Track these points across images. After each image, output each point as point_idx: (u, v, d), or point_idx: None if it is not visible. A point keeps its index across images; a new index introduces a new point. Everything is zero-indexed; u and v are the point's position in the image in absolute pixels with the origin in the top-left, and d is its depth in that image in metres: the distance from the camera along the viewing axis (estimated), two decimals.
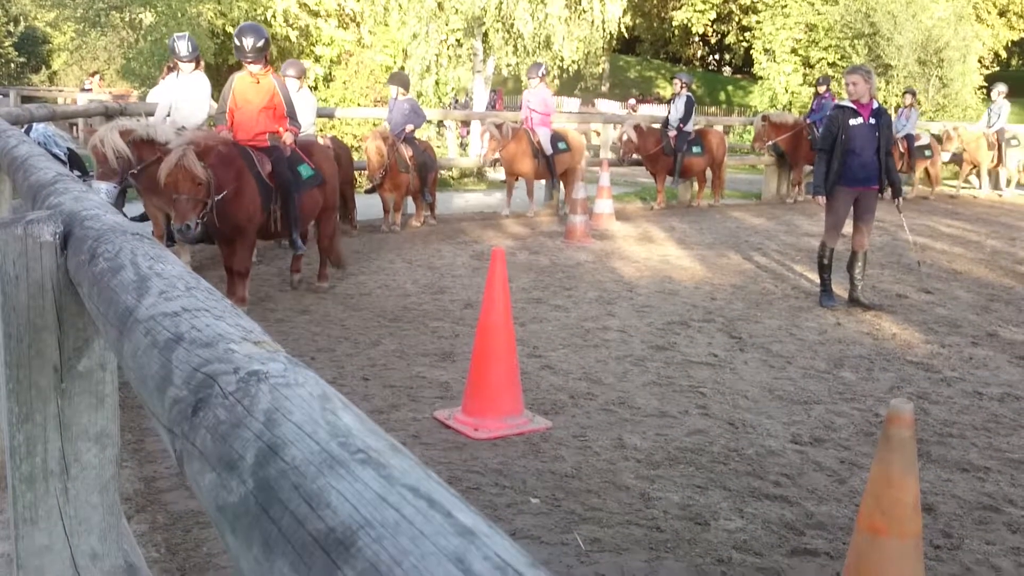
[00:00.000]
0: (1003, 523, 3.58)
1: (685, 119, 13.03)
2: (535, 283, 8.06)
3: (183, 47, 7.90)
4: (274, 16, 14.93)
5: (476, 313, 5.17)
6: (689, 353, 6.01)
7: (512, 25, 16.62)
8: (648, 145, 13.07)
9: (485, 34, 18.06)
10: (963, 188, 17.04)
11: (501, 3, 16.39)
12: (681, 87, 13.33)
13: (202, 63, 8.93)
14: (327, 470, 0.63)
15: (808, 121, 14.43)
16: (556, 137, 12.06)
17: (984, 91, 27.21)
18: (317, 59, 15.68)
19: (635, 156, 13.18)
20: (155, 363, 1.01)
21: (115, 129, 7.04)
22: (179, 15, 14.66)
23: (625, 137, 13.05)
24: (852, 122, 7.19)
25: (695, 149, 13.19)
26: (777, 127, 14.24)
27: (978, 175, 16.76)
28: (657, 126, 13.57)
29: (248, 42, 6.52)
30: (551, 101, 12.13)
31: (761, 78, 27.93)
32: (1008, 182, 17.00)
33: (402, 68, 16.45)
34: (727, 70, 47.85)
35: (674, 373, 5.56)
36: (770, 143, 14.40)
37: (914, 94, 16.02)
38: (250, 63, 6.61)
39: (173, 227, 6.16)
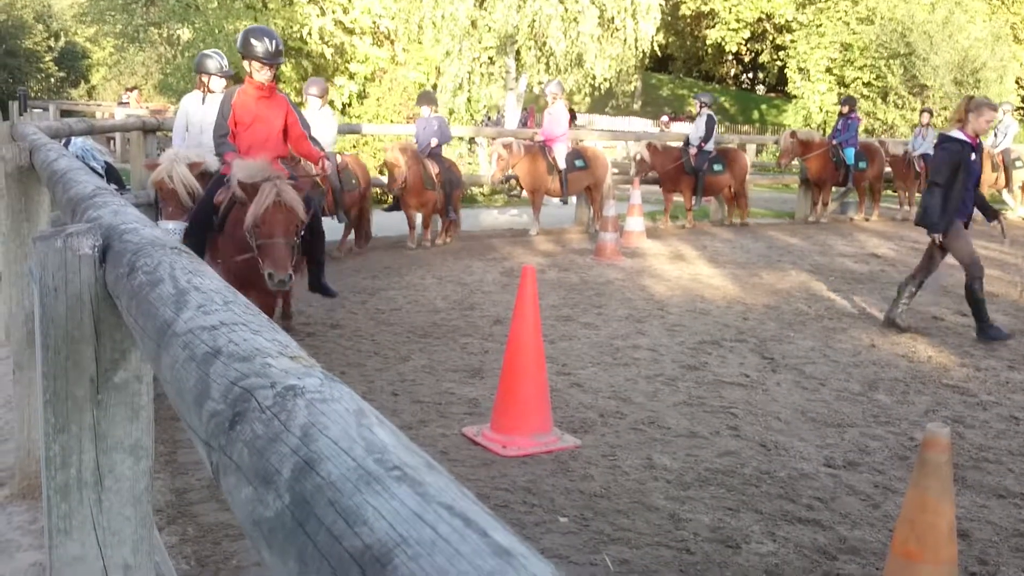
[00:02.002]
0: None
1: (706, 138, 12.97)
2: (565, 300, 8.05)
3: (213, 64, 7.27)
4: (310, 33, 15.09)
5: (506, 330, 5.18)
6: (721, 373, 5.96)
7: (544, 43, 16.70)
8: (664, 164, 12.97)
9: (518, 52, 18.16)
10: (1008, 210, 16.75)
11: (534, 21, 16.48)
12: (701, 107, 13.33)
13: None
14: (363, 486, 0.63)
15: (834, 142, 14.31)
16: (574, 154, 12.00)
17: (1021, 112, 26.86)
18: (352, 76, 15.82)
19: (650, 175, 13.04)
20: (193, 376, 1.02)
21: (182, 161, 6.36)
22: (216, 31, 14.86)
23: (639, 157, 12.96)
24: (972, 157, 6.91)
25: (716, 167, 13.10)
26: (805, 144, 14.14)
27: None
28: (674, 144, 13.50)
29: (262, 45, 5.45)
30: (565, 117, 12.05)
31: (795, 97, 27.77)
32: (1020, 202, 16.64)
33: (434, 86, 16.58)
34: (760, 89, 47.66)
35: (705, 393, 5.52)
36: (796, 160, 14.33)
37: (931, 113, 15.80)
38: (265, 67, 5.54)
39: (270, 279, 4.92)
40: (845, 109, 14.74)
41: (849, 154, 14.22)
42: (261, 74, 5.51)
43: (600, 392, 5.42)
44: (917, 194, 15.49)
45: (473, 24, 17.07)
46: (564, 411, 5.03)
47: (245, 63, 5.61)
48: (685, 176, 12.99)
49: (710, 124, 13.07)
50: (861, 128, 24.25)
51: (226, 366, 0.95)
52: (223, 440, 0.85)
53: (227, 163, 5.45)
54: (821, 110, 25.34)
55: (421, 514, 0.58)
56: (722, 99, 46.13)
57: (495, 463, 4.26)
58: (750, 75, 49.93)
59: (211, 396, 0.93)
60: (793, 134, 14.43)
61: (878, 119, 24.13)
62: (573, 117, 20.65)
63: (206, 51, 7.61)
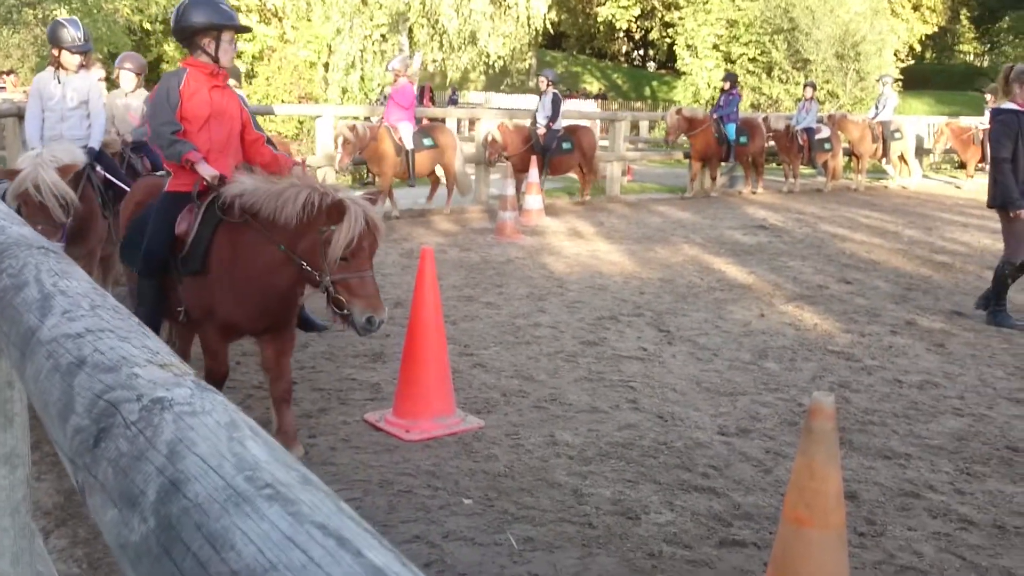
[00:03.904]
0: (924, 509, 3.69)
1: (553, 116, 12.79)
2: (466, 280, 8.04)
3: (66, 35, 6.09)
4: None
5: (407, 312, 5.13)
6: (619, 348, 6.06)
7: (437, 21, 16.56)
8: (516, 144, 12.76)
9: (410, 30, 17.96)
10: (888, 180, 17.50)
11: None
12: (547, 85, 13.06)
13: (95, 61, 7.74)
14: (232, 508, 0.60)
15: (714, 116, 14.69)
16: (422, 133, 11.65)
17: (900, 84, 28.09)
18: (239, 55, 15.35)
19: (504, 155, 12.83)
20: (57, 389, 0.96)
21: (50, 165, 5.01)
22: (95, 11, 14.20)
23: (490, 137, 12.76)
24: None
25: (564, 146, 12.95)
26: (689, 121, 14.46)
27: (859, 168, 17.04)
28: (524, 124, 13.34)
29: (225, 12, 4.14)
30: (410, 95, 11.63)
31: (684, 73, 28.33)
32: (900, 172, 17.45)
33: (326, 65, 16.24)
34: (652, 65, 48.45)
35: (605, 368, 5.60)
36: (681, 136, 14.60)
37: (814, 87, 16.33)
38: (225, 46, 4.17)
39: (368, 324, 3.78)
40: (726, 85, 15.10)
41: (730, 129, 14.60)
42: (224, 52, 4.17)
43: (503, 372, 5.44)
44: (801, 167, 16.08)
45: (364, 1, 16.78)
46: (467, 392, 5.03)
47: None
48: (536, 156, 12.66)
49: (556, 102, 12.89)
50: (747, 104, 24.96)
51: (91, 377, 0.90)
52: (88, 458, 0.80)
53: (188, 168, 4.03)
54: (709, 86, 25.92)
55: (293, 536, 0.56)
56: (614, 76, 46.69)
57: (398, 448, 4.23)
58: (641, 52, 50.66)
59: (75, 410, 0.88)
60: (679, 111, 14.72)
61: (763, 94, 24.86)
62: (453, 95, 20.66)
63: (60, 18, 6.58)
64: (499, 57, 17.77)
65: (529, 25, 17.46)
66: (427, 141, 11.59)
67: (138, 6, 14.11)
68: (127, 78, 7.56)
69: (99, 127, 6.41)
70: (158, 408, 0.77)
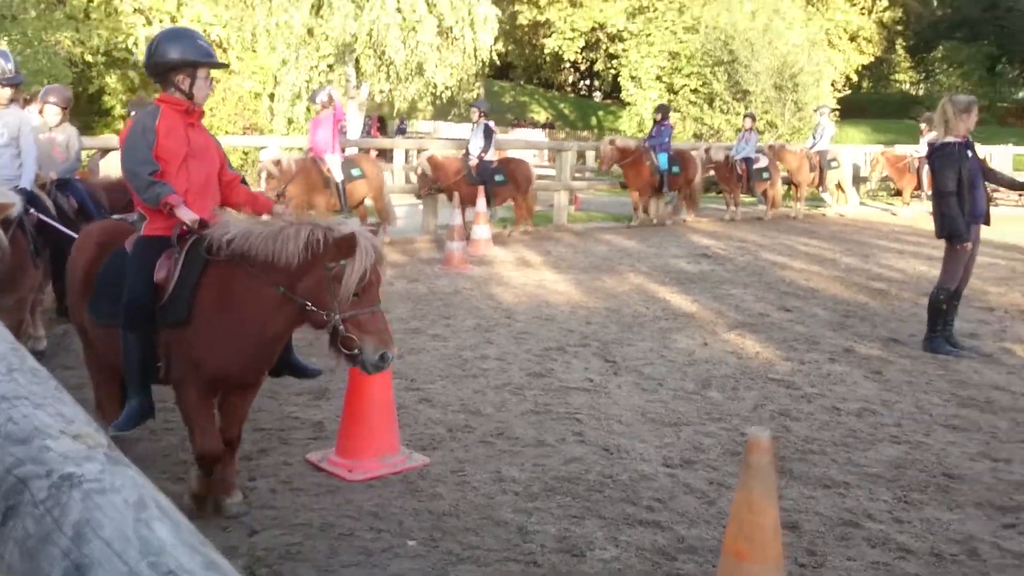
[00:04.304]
0: (863, 538, 3.75)
1: (486, 148, 12.75)
2: (413, 313, 8.01)
3: None
4: (136, 43, 14.41)
5: None
6: (566, 379, 6.09)
7: (384, 52, 16.60)
8: (448, 176, 12.72)
9: (357, 60, 17.98)
10: (826, 207, 17.91)
11: (372, 30, 16.36)
12: (480, 116, 13.01)
13: (24, 95, 7.38)
14: None
15: (647, 145, 14.91)
16: (349, 164, 11.51)
17: (837, 113, 28.83)
18: None
19: (435, 187, 12.74)
20: None
21: None
22: (35, 42, 13.95)
23: (420, 170, 12.65)
24: (969, 155, 6.76)
25: (498, 178, 12.84)
26: (623, 151, 14.67)
27: (797, 196, 17.44)
28: (456, 155, 13.30)
29: (202, 48, 4.01)
30: (336, 128, 11.35)
31: (629, 103, 28.76)
32: (837, 200, 17.88)
33: (271, 96, 16.17)
34: (598, 95, 49.12)
35: (551, 400, 5.62)
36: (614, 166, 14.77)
37: (753, 118, 16.72)
38: (200, 83, 4.00)
39: (380, 361, 3.64)
40: (658, 116, 15.36)
41: (662, 159, 14.81)
42: (199, 87, 3.99)
43: (449, 406, 5.42)
44: (742, 195, 16.40)
45: (310, 32, 16.78)
46: (413, 428, 5.00)
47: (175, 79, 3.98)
48: (468, 187, 12.58)
49: (488, 134, 12.86)
50: (690, 133, 25.39)
51: (2, 450, 0.89)
52: None
53: (167, 212, 3.77)
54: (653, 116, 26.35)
55: None
56: (562, 105, 47.20)
57: (340, 489, 4.18)
58: (587, 82, 51.34)
59: None
60: (611, 141, 14.97)
61: (706, 124, 25.35)
62: (401, 125, 20.70)
63: None
64: (446, 87, 17.87)
65: (476, 56, 17.61)
66: (355, 171, 11.47)
67: (79, 38, 13.91)
68: (51, 112, 7.29)
69: (30, 166, 6.11)
70: (67, 486, 0.76)
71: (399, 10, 16.34)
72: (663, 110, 15.62)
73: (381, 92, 17.79)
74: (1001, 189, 19.80)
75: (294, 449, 4.67)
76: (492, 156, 12.97)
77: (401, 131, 26.85)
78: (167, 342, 3.79)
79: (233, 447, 4.00)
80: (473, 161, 12.73)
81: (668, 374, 6.24)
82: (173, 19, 14.95)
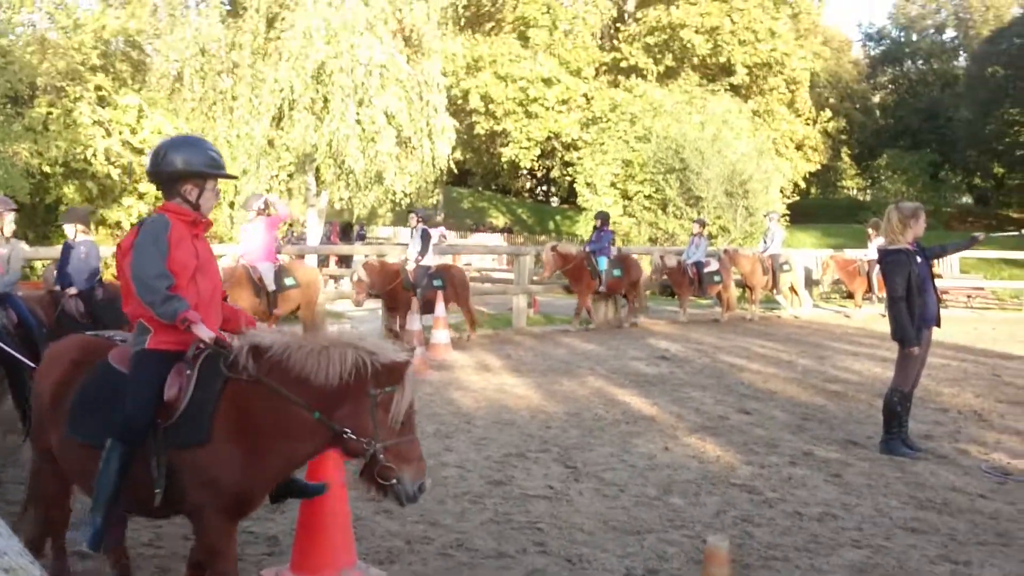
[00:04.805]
0: None
1: (423, 252, 12.81)
2: None
3: None
4: (95, 155, 14.47)
5: None
6: (526, 486, 6.01)
7: (343, 161, 16.86)
8: (384, 282, 12.65)
9: (317, 169, 18.22)
10: (781, 310, 18.24)
11: (332, 140, 16.64)
12: (417, 221, 13.07)
13: None
14: None
15: (587, 251, 15.23)
16: (283, 272, 11.28)
17: (787, 218, 29.65)
18: (141, 196, 15.25)
19: (371, 294, 12.65)
20: None
21: None
22: None
23: (356, 277, 12.59)
24: (917, 260, 6.93)
25: (436, 283, 12.82)
26: (564, 257, 14.92)
27: (752, 299, 17.76)
28: (393, 262, 13.31)
29: (213, 158, 3.89)
30: (269, 235, 11.27)
31: (585, 209, 29.35)
32: (791, 303, 18.26)
33: (231, 204, 16.25)
34: (555, 201, 50.13)
35: (512, 509, 5.53)
36: (557, 271, 14.96)
37: (703, 224, 17.26)
38: (208, 194, 3.90)
39: (418, 492, 3.56)
40: (598, 223, 15.78)
41: (601, 263, 15.13)
42: (206, 197, 3.89)
43: (407, 517, 5.31)
44: (693, 298, 16.71)
45: (270, 143, 17.03)
46: (370, 541, 4.88)
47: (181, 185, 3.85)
48: (405, 294, 12.56)
49: (425, 239, 12.91)
50: (645, 238, 25.90)
51: None
52: None
53: (183, 328, 3.59)
54: (609, 221, 26.86)
55: None
56: (519, 211, 48.00)
57: None
58: (544, 188, 52.44)
59: None
60: (553, 248, 15.29)
61: (660, 229, 25.91)
62: (361, 231, 20.88)
63: None
64: (405, 194, 18.12)
65: (434, 165, 17.95)
66: (288, 280, 11.24)
67: (37, 149, 13.96)
68: (8, 220, 7.19)
69: None
70: None
71: (359, 122, 16.69)
72: (602, 217, 16.09)
73: (341, 199, 17.98)
74: (951, 291, 20.44)
75: (248, 566, 4.51)
76: (430, 261, 12.97)
77: (361, 237, 27.05)
78: (176, 465, 3.53)
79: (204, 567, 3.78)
80: (410, 266, 12.74)
81: (630, 479, 6.20)
82: (133, 131, 15.09)
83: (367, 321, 13.98)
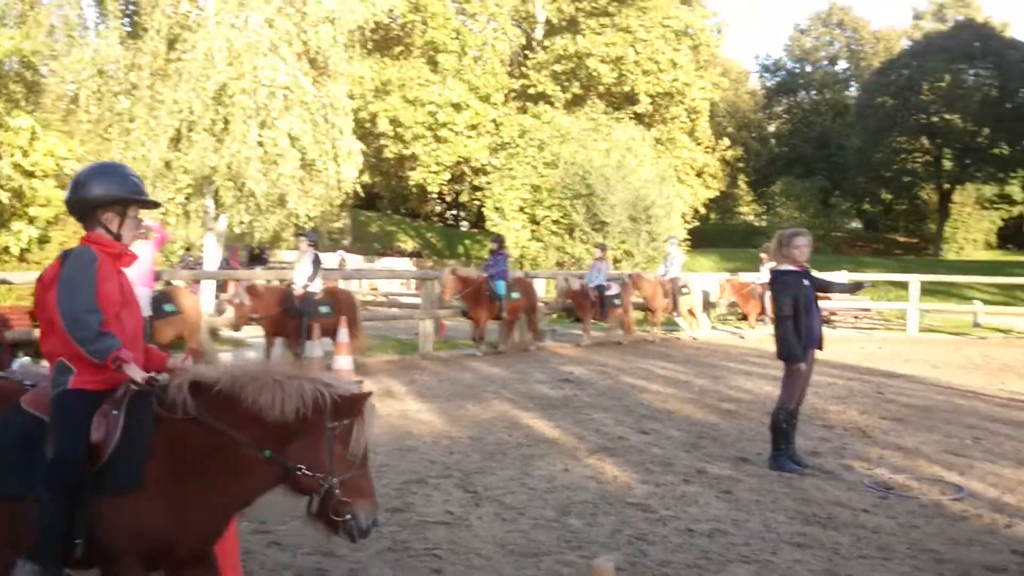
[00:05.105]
0: None
1: (312, 277, 12.48)
2: None
3: None
4: None
5: None
6: (425, 513, 5.99)
7: (244, 184, 16.58)
8: (268, 307, 12.20)
9: (216, 192, 17.87)
10: (680, 332, 18.69)
11: (232, 162, 16.35)
12: (308, 245, 12.76)
13: None
14: None
15: (485, 275, 15.26)
16: (161, 298, 10.86)
17: (688, 243, 30.44)
18: (31, 220, 14.65)
19: (252, 318, 12.23)
20: None
21: None
22: None
23: (237, 300, 12.11)
24: (805, 283, 7.19)
25: (323, 309, 12.47)
26: (463, 280, 14.98)
27: (654, 321, 18.21)
28: (277, 284, 13.00)
29: (133, 183, 3.73)
30: (150, 259, 10.52)
31: (494, 233, 29.60)
32: (690, 325, 18.78)
33: None
34: (464, 225, 50.29)
35: (409, 537, 5.50)
36: (456, 295, 14.91)
37: (604, 248, 17.67)
38: (130, 223, 3.76)
39: (372, 527, 3.48)
40: (494, 247, 15.90)
41: (499, 286, 15.20)
42: (125, 228, 3.72)
43: (300, 548, 5.23)
44: (595, 321, 17.00)
45: (167, 165, 16.63)
46: (259, 575, 4.78)
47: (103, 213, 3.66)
48: (290, 320, 12.20)
49: (316, 263, 12.59)
50: (552, 262, 26.18)
51: None
52: None
53: (115, 367, 3.41)
54: (517, 245, 27.13)
55: None
56: (428, 235, 47.97)
57: None
58: (453, 212, 52.56)
59: None
60: (453, 271, 15.33)
61: (567, 253, 26.30)
62: (261, 258, 20.60)
63: None
64: (309, 218, 17.91)
65: (340, 188, 17.81)
66: (168, 307, 10.77)
67: None
68: None
69: None
70: None
71: (261, 144, 16.46)
72: (498, 240, 16.23)
73: (241, 223, 17.65)
74: (838, 312, 21.28)
75: None
76: (318, 287, 12.66)
77: (263, 261, 26.57)
78: (101, 513, 3.28)
79: None
80: (298, 291, 12.39)
81: (529, 502, 6.24)
82: (25, 153, 14.51)
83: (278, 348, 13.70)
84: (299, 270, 12.71)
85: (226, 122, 16.67)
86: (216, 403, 3.34)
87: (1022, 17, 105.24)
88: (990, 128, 47.96)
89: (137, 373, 3.41)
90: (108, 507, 3.28)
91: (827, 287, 7.88)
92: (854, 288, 8.32)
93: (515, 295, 15.48)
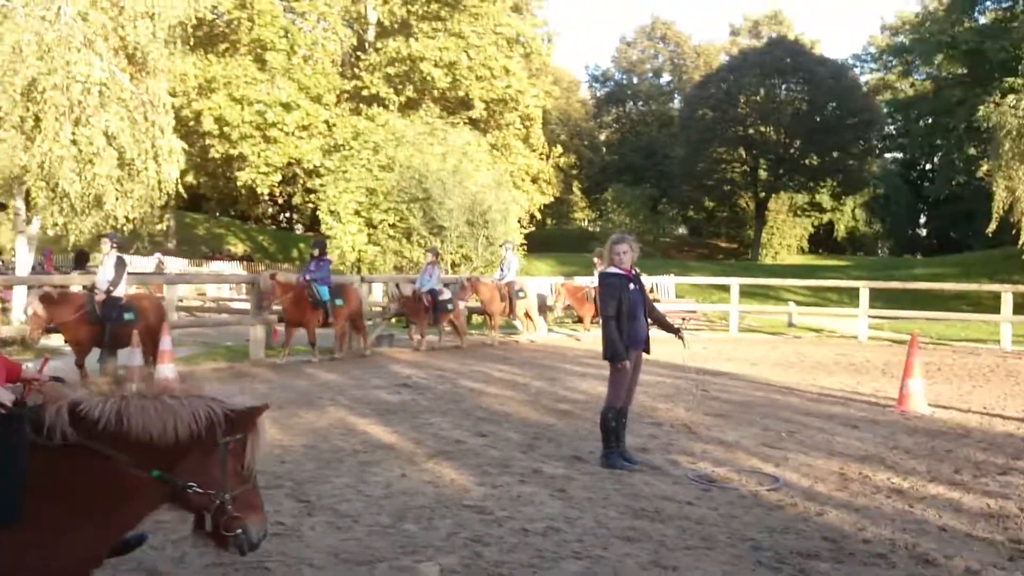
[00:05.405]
0: None
1: (115, 281, 11.78)
2: None
3: None
4: None
5: None
6: None
7: (57, 184, 15.52)
8: (64, 314, 11.40)
9: (28, 193, 16.66)
10: (519, 335, 18.97)
11: (44, 162, 15.27)
12: (111, 247, 12.05)
13: None
14: None
15: (306, 279, 14.85)
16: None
17: (525, 247, 30.93)
18: None
19: (48, 328, 11.49)
20: None
21: None
22: None
23: (30, 310, 11.38)
24: (631, 286, 7.37)
25: (127, 316, 11.78)
26: (284, 286, 14.55)
27: (492, 324, 18.46)
28: (75, 291, 12.32)
29: None
30: None
31: (330, 237, 28.98)
32: (527, 328, 19.17)
33: None
34: (299, 228, 49.07)
35: None
36: (275, 301, 14.46)
37: (436, 252, 17.69)
38: None
39: (261, 540, 3.47)
40: (316, 252, 15.44)
41: (323, 292, 14.89)
42: None
43: (120, 567, 4.89)
44: (428, 326, 16.98)
45: None
46: None
47: None
48: (89, 327, 11.49)
49: (120, 266, 11.87)
50: (390, 266, 25.96)
51: None
52: None
53: None
54: (354, 249, 26.72)
55: None
56: (260, 238, 46.52)
57: None
58: (287, 215, 51.20)
59: None
60: (272, 276, 14.92)
61: (405, 257, 26.14)
62: (85, 259, 19.42)
63: None
64: (128, 220, 16.95)
65: (161, 189, 16.95)
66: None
67: None
68: None
69: None
70: None
71: (75, 142, 15.44)
72: (319, 245, 15.75)
73: (55, 225, 16.50)
74: (668, 314, 22.19)
75: None
76: (122, 291, 11.97)
77: (81, 265, 24.93)
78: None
79: None
80: (99, 296, 11.64)
81: (364, 509, 6.14)
82: None
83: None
84: (101, 274, 11.90)
85: (37, 119, 15.55)
86: (98, 427, 3.14)
87: (830, 36, 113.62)
88: (801, 140, 51.55)
89: (4, 396, 3.16)
90: None
91: (651, 312, 7.95)
92: (674, 332, 8.20)
93: (338, 302, 15.12)
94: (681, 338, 7.92)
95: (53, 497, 3.10)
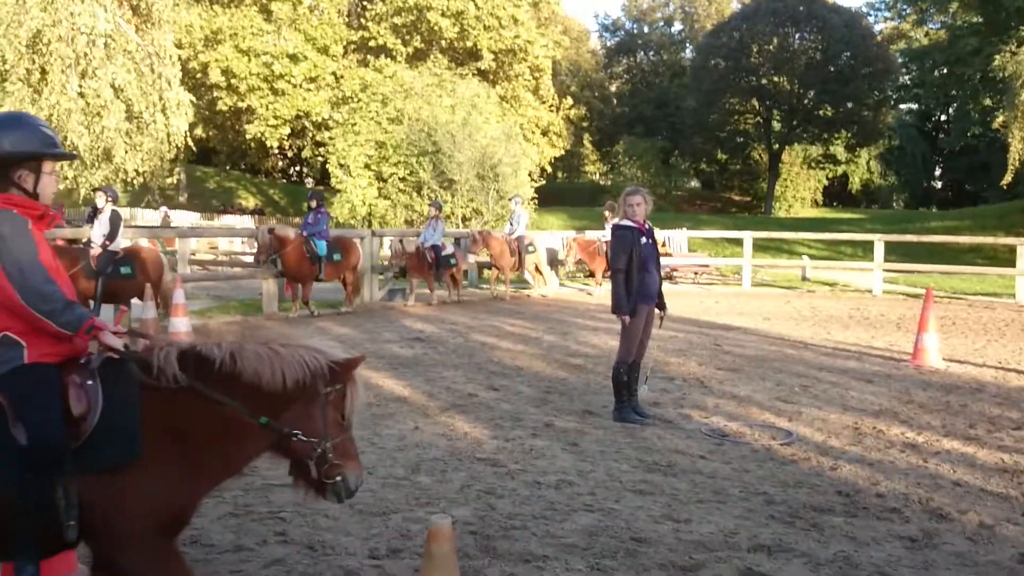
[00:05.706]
0: None
1: (111, 235, 11.70)
2: None
3: None
4: None
5: None
6: (270, 476, 5.78)
7: (66, 137, 15.44)
8: (66, 268, 11.53)
9: None
10: (530, 289, 18.95)
11: (52, 115, 15.19)
12: (107, 201, 11.96)
13: None
14: None
15: (304, 234, 14.74)
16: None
17: (536, 201, 30.78)
18: None
19: None
20: None
21: None
22: None
23: None
24: (642, 240, 7.31)
25: (124, 270, 11.73)
26: (281, 240, 14.43)
27: (504, 279, 18.42)
28: (77, 246, 12.22)
29: (47, 136, 3.36)
30: None
31: (340, 191, 28.89)
32: (537, 282, 19.13)
33: None
34: (310, 182, 48.90)
35: (253, 500, 5.32)
36: (274, 256, 14.33)
37: (439, 207, 17.52)
38: (47, 179, 3.36)
39: (357, 487, 3.53)
40: (313, 204, 15.23)
41: (321, 246, 14.73)
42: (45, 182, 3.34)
43: None
44: (435, 282, 16.96)
45: None
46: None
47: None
48: (84, 282, 11.34)
49: (115, 220, 11.78)
50: (401, 220, 25.90)
51: None
52: None
53: (88, 336, 3.26)
54: (364, 202, 26.65)
55: None
56: (271, 191, 46.42)
57: None
58: (297, 168, 51.01)
59: None
60: (271, 230, 14.68)
61: (415, 211, 26.04)
62: (92, 212, 19.39)
63: None
64: (138, 173, 16.91)
65: (170, 142, 16.87)
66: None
67: None
68: None
69: None
70: None
71: (82, 95, 15.34)
72: (316, 197, 15.53)
73: (65, 179, 16.47)
74: (680, 268, 22.12)
75: None
76: (119, 245, 11.86)
77: (91, 219, 24.97)
78: (93, 491, 3.04)
79: None
80: (95, 250, 11.56)
81: (378, 461, 6.16)
82: None
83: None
84: (97, 228, 11.80)
85: (43, 72, 15.45)
86: (209, 372, 3.23)
87: None
88: (815, 91, 50.76)
89: (115, 341, 3.26)
90: (100, 483, 3.05)
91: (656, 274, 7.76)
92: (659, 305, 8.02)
93: (336, 256, 14.97)
94: (662, 317, 7.66)
95: (168, 437, 3.18)
